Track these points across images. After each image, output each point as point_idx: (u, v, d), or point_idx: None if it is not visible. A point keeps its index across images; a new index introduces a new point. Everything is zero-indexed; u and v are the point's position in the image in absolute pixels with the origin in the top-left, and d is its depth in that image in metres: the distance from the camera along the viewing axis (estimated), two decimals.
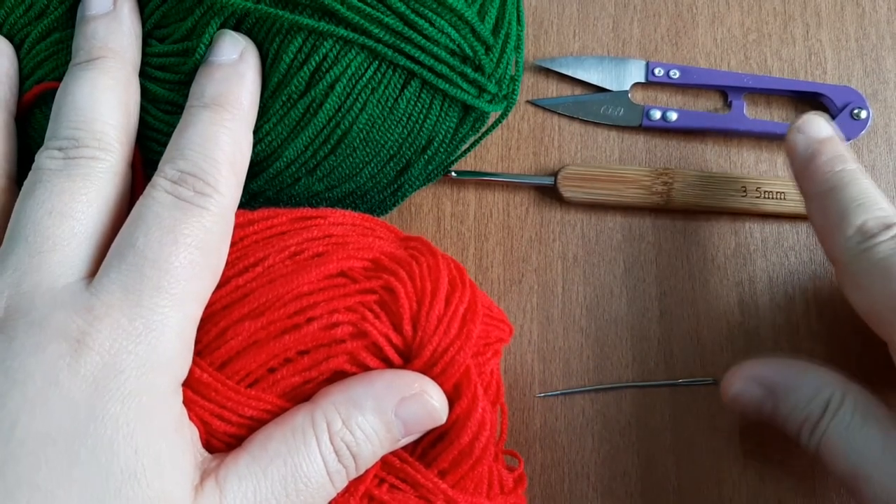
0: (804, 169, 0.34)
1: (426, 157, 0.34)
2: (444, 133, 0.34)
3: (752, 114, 0.42)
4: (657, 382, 0.38)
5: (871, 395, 0.31)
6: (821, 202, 0.33)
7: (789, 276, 0.40)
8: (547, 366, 0.38)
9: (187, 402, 0.27)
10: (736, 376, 0.33)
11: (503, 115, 0.36)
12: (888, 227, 0.31)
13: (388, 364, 0.29)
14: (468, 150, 0.37)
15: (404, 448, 0.30)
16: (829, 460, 0.30)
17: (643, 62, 0.42)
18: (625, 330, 0.39)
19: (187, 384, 0.28)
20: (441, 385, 0.29)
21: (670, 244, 0.40)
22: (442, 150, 0.34)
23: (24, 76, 0.34)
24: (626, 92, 0.42)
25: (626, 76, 0.42)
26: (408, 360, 0.29)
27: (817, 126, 0.35)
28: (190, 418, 0.27)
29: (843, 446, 0.30)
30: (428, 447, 0.30)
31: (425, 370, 0.29)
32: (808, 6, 0.44)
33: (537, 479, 0.37)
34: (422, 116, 0.33)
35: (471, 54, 0.32)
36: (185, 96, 0.31)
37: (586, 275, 0.39)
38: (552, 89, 0.42)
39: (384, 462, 0.29)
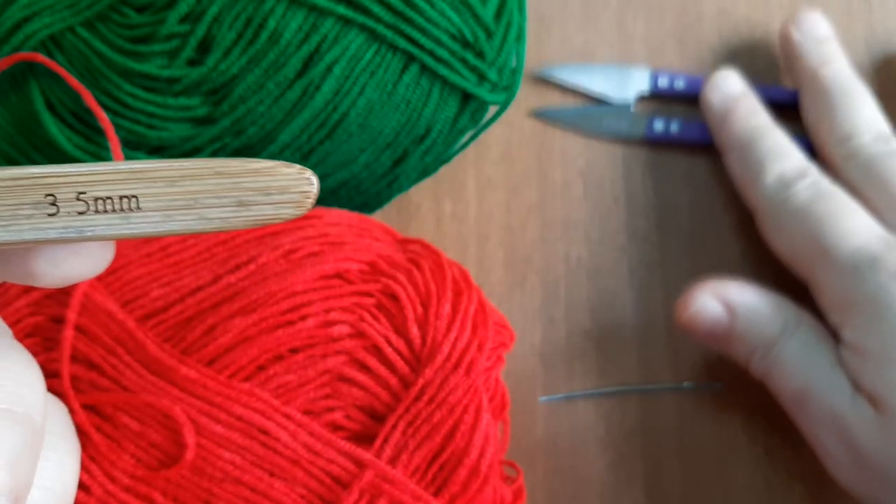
0: (721, 123, 0.36)
1: (423, 147, 0.33)
2: (442, 122, 0.33)
3: None
4: (663, 386, 0.37)
5: (821, 324, 0.32)
6: (739, 155, 0.35)
7: None
8: (549, 369, 0.37)
9: (176, 401, 0.26)
10: (697, 293, 0.33)
11: (502, 109, 0.35)
12: (803, 175, 0.33)
13: (393, 369, 0.28)
14: (466, 143, 0.36)
15: (415, 478, 0.28)
16: (778, 379, 0.32)
17: (647, 71, 0.41)
18: (629, 332, 0.38)
19: (175, 382, 0.27)
20: (454, 395, 0.27)
21: (676, 245, 0.39)
22: (440, 140, 0.34)
23: (12, 28, 0.31)
24: (629, 103, 0.40)
25: (629, 86, 0.40)
26: (417, 365, 0.28)
27: (731, 82, 0.37)
28: (178, 418, 0.26)
29: (796, 364, 0.31)
30: (437, 471, 0.29)
31: (444, 375, 0.28)
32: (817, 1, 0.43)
33: (539, 487, 0.36)
34: (420, 103, 0.32)
35: (472, 39, 0.32)
36: (164, 68, 0.30)
37: (590, 276, 0.39)
38: (553, 99, 0.41)
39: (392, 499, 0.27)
